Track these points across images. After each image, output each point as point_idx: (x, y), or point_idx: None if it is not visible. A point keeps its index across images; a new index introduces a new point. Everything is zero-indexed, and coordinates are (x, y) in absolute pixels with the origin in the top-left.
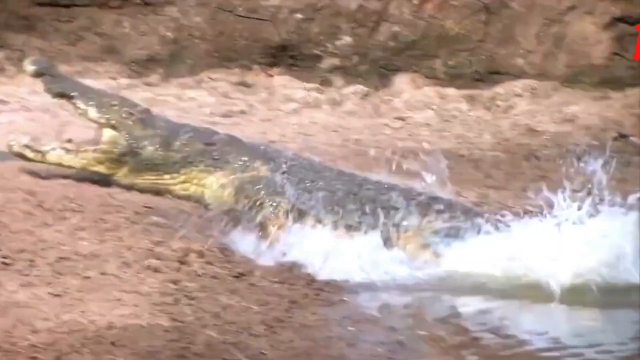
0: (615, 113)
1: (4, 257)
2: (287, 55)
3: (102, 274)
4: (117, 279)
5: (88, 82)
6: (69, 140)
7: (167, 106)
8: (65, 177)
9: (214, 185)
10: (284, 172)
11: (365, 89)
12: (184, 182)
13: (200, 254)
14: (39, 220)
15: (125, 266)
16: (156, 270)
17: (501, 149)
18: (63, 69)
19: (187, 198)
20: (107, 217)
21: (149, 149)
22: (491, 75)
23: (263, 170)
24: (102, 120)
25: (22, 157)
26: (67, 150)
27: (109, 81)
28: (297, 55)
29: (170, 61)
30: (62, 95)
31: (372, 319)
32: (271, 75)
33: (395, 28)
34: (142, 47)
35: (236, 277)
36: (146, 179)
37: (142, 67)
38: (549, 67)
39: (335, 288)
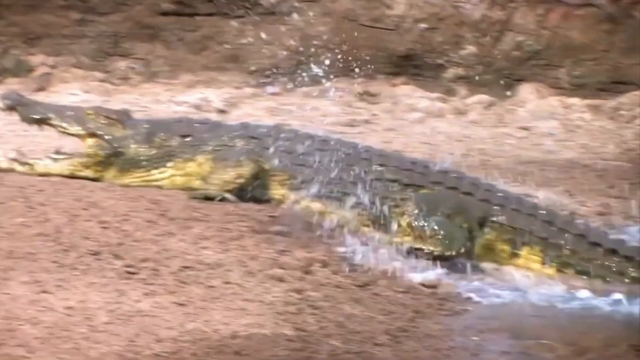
0: None
1: (128, 266)
2: (411, 65)
3: (226, 283)
4: (241, 288)
5: (211, 91)
6: (56, 152)
7: (291, 115)
8: None
9: (195, 167)
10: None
11: (489, 98)
12: (171, 175)
13: (324, 263)
14: (162, 229)
15: (249, 275)
16: (280, 279)
17: (625, 159)
18: (186, 77)
19: (181, 189)
20: (231, 226)
21: (132, 147)
22: (615, 84)
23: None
24: (83, 132)
25: (11, 170)
26: (54, 160)
27: (233, 90)
28: (421, 64)
29: (294, 70)
30: (39, 121)
31: (496, 328)
32: (395, 85)
33: (520, 38)
34: (266, 56)
35: (360, 286)
36: (136, 177)
37: (266, 76)
38: None
39: (458, 297)
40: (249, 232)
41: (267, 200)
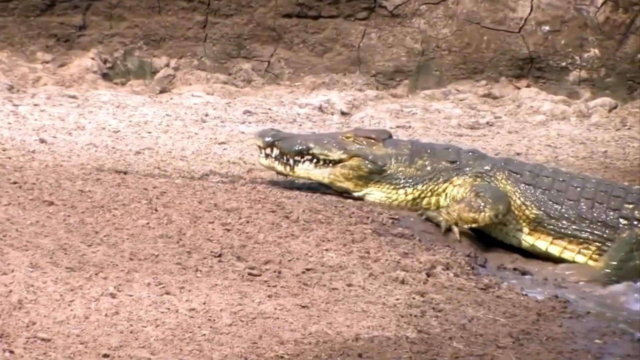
0: None
1: (251, 268)
2: (534, 67)
3: (349, 285)
4: (364, 291)
5: (334, 93)
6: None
7: (414, 118)
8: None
9: (450, 190)
10: (529, 184)
11: (613, 101)
12: (418, 197)
13: (447, 266)
14: (285, 231)
15: (371, 278)
16: (403, 282)
17: None
18: (310, 80)
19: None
20: (353, 228)
21: (394, 166)
22: None
23: (502, 181)
24: (345, 156)
25: (271, 169)
26: (316, 165)
27: (356, 92)
28: (544, 67)
29: (417, 73)
30: (300, 152)
31: (618, 331)
32: (518, 88)
33: None
34: (389, 58)
35: (482, 289)
36: (386, 197)
37: (388, 78)
38: None
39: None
40: (371, 235)
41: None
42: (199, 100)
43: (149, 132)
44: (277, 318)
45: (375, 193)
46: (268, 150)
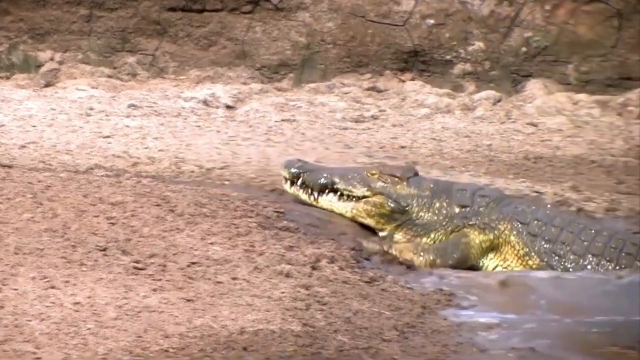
0: None
1: (136, 262)
2: (418, 61)
3: (234, 278)
4: (249, 284)
5: (219, 87)
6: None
7: (299, 111)
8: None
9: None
10: (534, 235)
11: (497, 94)
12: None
13: (332, 259)
14: (170, 225)
15: (256, 271)
16: (288, 275)
17: (633, 155)
18: (195, 73)
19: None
20: (238, 222)
21: (415, 209)
22: (623, 80)
23: (505, 232)
24: (369, 193)
25: (296, 197)
26: (339, 197)
27: (241, 86)
28: (428, 60)
29: (302, 66)
30: (325, 186)
31: (504, 324)
32: (403, 81)
33: (527, 34)
34: (274, 52)
35: (367, 282)
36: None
37: (273, 72)
38: None
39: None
40: (256, 228)
41: None
42: (84, 94)
43: (34, 126)
44: (162, 312)
45: (398, 237)
46: (294, 179)
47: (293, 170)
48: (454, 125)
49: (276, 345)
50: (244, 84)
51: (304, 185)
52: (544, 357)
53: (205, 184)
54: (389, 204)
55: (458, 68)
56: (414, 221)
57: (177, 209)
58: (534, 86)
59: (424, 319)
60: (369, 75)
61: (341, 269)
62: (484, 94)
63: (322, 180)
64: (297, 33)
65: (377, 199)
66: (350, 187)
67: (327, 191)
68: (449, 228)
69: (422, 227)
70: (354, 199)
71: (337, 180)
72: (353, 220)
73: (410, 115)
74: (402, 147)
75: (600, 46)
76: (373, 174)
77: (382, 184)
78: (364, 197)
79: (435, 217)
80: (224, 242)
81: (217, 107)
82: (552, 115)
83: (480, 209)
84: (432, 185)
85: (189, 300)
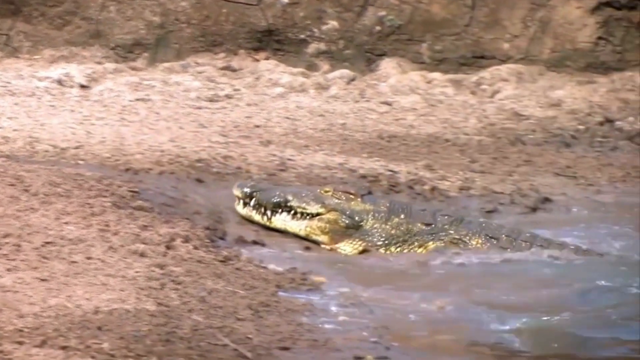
0: (601, 98)
1: None
2: (273, 40)
3: (88, 258)
4: (103, 264)
5: (73, 66)
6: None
7: (153, 90)
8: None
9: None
10: (504, 249)
11: (352, 73)
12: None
13: (186, 239)
14: (24, 204)
15: (111, 251)
16: (142, 254)
17: (487, 134)
18: (49, 53)
19: None
20: (93, 201)
21: (370, 222)
22: (477, 59)
23: (478, 246)
24: (323, 210)
25: (249, 218)
26: (293, 216)
27: (95, 66)
28: (283, 39)
29: (156, 46)
30: (278, 204)
31: (358, 302)
32: (257, 60)
33: (382, 12)
34: (128, 31)
35: (222, 261)
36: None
37: (128, 51)
38: (534, 52)
39: None
40: (111, 208)
41: None
42: None
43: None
44: (17, 291)
45: (347, 248)
46: (247, 199)
47: (245, 189)
48: (308, 104)
49: (131, 325)
50: (99, 63)
51: (257, 205)
52: (393, 334)
53: (59, 164)
54: (343, 220)
55: (312, 47)
56: (370, 233)
57: (31, 189)
58: (387, 65)
59: (278, 297)
60: (223, 55)
61: (196, 248)
62: (338, 73)
63: (275, 199)
64: (151, 12)
65: (331, 216)
66: (304, 205)
67: (280, 210)
68: (415, 243)
69: (378, 239)
70: (308, 217)
71: (290, 198)
72: (306, 238)
73: (264, 95)
74: (257, 126)
75: (453, 25)
76: (327, 191)
77: (336, 200)
78: (318, 214)
79: (394, 232)
80: (79, 222)
81: (72, 87)
82: (406, 94)
83: (445, 226)
84: (388, 204)
85: (43, 280)
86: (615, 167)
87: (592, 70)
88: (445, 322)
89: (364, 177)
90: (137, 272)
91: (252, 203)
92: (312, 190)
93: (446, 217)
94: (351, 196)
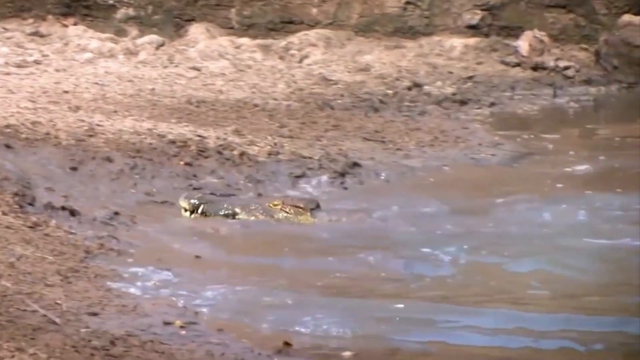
0: (409, 62)
1: None
2: (81, 6)
3: None
4: None
5: None
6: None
7: None
8: None
9: None
10: None
11: (160, 39)
12: None
13: None
14: None
15: None
16: None
17: (295, 99)
18: None
19: None
20: None
21: None
22: (285, 24)
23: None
24: (252, 218)
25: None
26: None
27: None
28: (91, 5)
29: None
30: (227, 216)
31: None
32: (66, 26)
33: None
34: None
35: (31, 227)
36: None
37: None
38: (342, 17)
39: None
40: None
41: None
42: None
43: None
44: None
45: None
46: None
47: (192, 201)
48: (117, 69)
49: None
50: None
51: (205, 217)
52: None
53: None
54: None
55: (121, 12)
56: None
57: None
58: (196, 30)
59: (87, 263)
60: (31, 20)
61: (4, 214)
62: (147, 38)
63: (223, 211)
64: None
65: None
66: (252, 218)
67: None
68: None
69: None
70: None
71: (238, 211)
72: None
73: (73, 60)
74: (66, 92)
75: None
76: (275, 205)
77: (285, 214)
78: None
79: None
80: None
81: None
82: (214, 60)
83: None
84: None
85: None
86: (423, 131)
87: (400, 35)
88: None
89: (172, 142)
90: None
91: (199, 212)
92: (261, 204)
93: None
94: (300, 210)
